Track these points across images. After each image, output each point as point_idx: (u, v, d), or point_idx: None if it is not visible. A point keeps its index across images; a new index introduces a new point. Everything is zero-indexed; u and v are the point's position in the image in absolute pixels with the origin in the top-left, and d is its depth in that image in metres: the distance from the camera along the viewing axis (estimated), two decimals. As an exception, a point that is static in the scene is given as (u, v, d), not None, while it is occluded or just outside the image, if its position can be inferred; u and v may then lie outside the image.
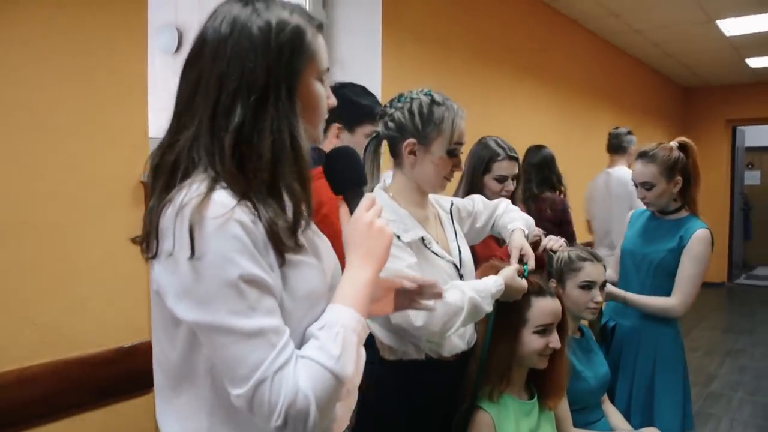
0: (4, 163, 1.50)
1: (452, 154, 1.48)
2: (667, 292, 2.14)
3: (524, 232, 1.65)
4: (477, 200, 1.78)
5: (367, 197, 1.02)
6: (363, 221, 0.98)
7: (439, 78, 3.30)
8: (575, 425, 1.78)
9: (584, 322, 2.04)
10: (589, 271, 1.88)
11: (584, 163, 4.52)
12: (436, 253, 1.48)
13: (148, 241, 0.87)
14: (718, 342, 5.53)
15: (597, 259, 1.91)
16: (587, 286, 1.87)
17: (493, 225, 1.75)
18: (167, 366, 0.93)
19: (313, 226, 1.01)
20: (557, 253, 1.90)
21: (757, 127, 8.84)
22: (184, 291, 0.83)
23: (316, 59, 0.95)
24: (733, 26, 5.20)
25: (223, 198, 0.83)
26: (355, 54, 2.91)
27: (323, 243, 1.04)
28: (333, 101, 1.01)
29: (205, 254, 0.81)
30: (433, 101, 1.48)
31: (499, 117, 3.90)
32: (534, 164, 3.10)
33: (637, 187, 2.21)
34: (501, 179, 2.22)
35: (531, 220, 1.76)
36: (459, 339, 1.53)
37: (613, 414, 1.98)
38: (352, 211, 1.01)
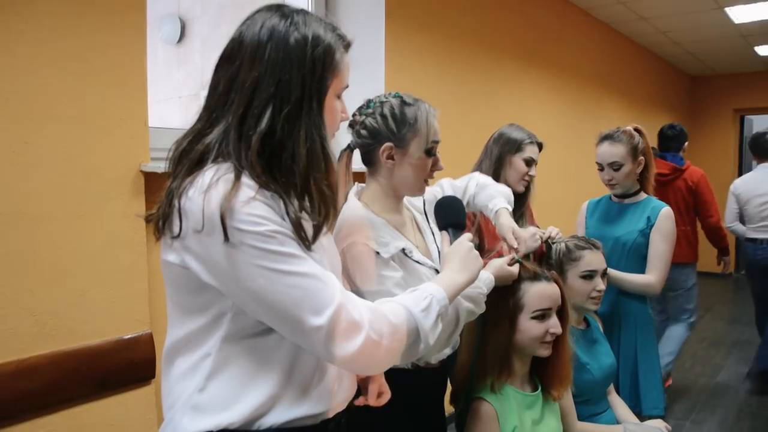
0: (1, 154, 1.49)
1: (430, 153, 1.44)
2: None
3: (508, 210, 1.62)
4: (445, 186, 1.74)
5: (468, 235, 1.28)
6: (466, 246, 1.24)
7: (444, 68, 3.27)
8: (580, 417, 1.76)
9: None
10: (590, 259, 1.86)
11: (591, 152, 4.47)
12: (417, 261, 1.45)
13: (164, 220, 0.93)
14: (724, 333, 5.50)
15: (596, 246, 1.89)
16: (588, 275, 1.85)
17: (467, 204, 1.71)
18: (182, 311, 0.99)
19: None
20: (555, 244, 1.88)
21: (765, 116, 8.75)
22: (229, 269, 0.89)
23: (341, 77, 1.02)
24: (742, 14, 5.13)
25: (248, 184, 0.90)
26: (358, 44, 2.86)
27: (330, 245, 1.12)
28: (347, 116, 1.08)
29: (241, 236, 0.87)
30: (403, 102, 1.44)
31: (504, 107, 3.87)
32: None
33: (603, 169, 2.27)
34: (529, 161, 2.19)
35: (508, 191, 1.72)
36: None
37: (619, 405, 1.96)
38: (451, 243, 1.27)
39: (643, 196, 2.30)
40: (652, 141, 7.14)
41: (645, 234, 2.20)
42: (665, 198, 3.50)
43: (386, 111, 1.43)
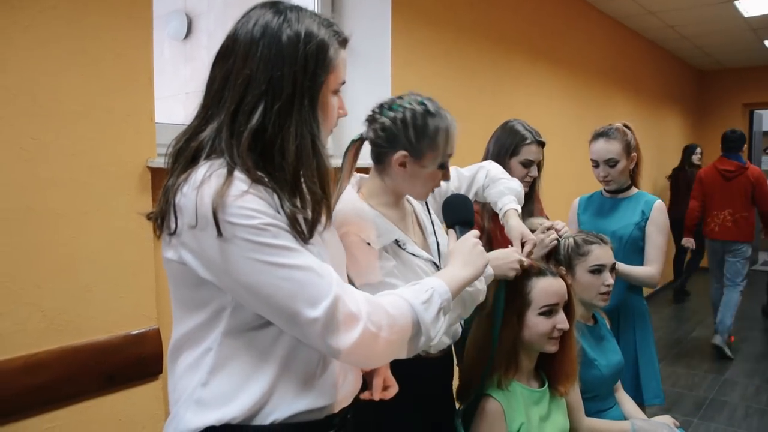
0: (7, 150, 1.49)
1: (443, 166, 1.42)
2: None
3: (518, 211, 1.60)
4: (450, 174, 1.70)
5: (474, 231, 1.28)
6: (470, 242, 1.24)
7: (451, 64, 3.26)
8: (587, 414, 1.75)
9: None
10: (598, 254, 1.85)
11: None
12: (412, 253, 1.44)
13: (162, 217, 0.94)
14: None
15: (604, 241, 1.88)
16: (597, 269, 1.84)
17: (476, 194, 1.70)
18: (184, 307, 1.00)
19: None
20: (563, 240, 1.87)
21: (775, 111, 8.69)
22: (224, 264, 0.89)
23: (336, 73, 1.01)
24: (751, 6, 5.07)
25: (241, 179, 0.90)
26: (365, 39, 2.87)
27: (334, 239, 1.12)
28: (344, 112, 1.08)
29: (233, 230, 0.87)
30: (427, 111, 1.38)
31: (512, 102, 3.85)
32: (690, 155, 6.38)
33: (598, 166, 2.31)
34: (527, 164, 2.15)
35: (518, 188, 1.69)
36: (444, 335, 1.50)
37: (626, 402, 1.96)
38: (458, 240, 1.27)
39: (634, 190, 2.36)
40: (659, 136, 7.17)
41: (641, 227, 2.25)
42: (730, 190, 4.80)
43: (408, 118, 1.37)
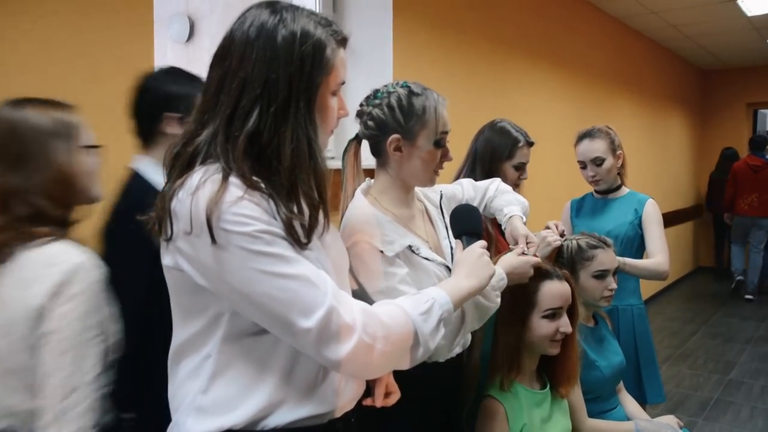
0: (10, 153, 1.50)
1: (439, 144, 1.41)
2: None
3: (522, 219, 1.60)
4: (465, 185, 1.72)
5: (481, 242, 1.26)
6: (476, 252, 1.22)
7: (452, 64, 3.26)
8: (590, 415, 1.75)
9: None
10: (602, 258, 1.84)
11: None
12: (426, 258, 1.42)
13: (159, 223, 0.93)
14: (738, 329, 5.45)
15: (607, 244, 1.88)
16: (601, 275, 1.83)
17: (485, 207, 1.70)
18: (183, 318, 0.99)
19: (331, 227, 1.06)
20: (566, 242, 1.86)
21: (779, 110, 8.67)
22: (218, 271, 0.88)
23: (334, 73, 0.99)
24: (754, 5, 5.05)
25: (236, 184, 0.89)
26: (366, 41, 2.87)
27: (336, 243, 1.10)
28: (345, 112, 1.06)
29: (227, 237, 0.86)
30: (411, 92, 1.40)
31: (513, 104, 3.85)
32: (726, 156, 7.23)
33: (585, 167, 2.33)
34: (520, 167, 2.14)
35: (526, 203, 1.71)
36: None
37: (629, 403, 1.95)
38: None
39: (625, 190, 2.39)
40: (663, 137, 7.25)
41: (635, 225, 2.28)
42: (757, 179, 6.46)
43: (393, 102, 1.40)
